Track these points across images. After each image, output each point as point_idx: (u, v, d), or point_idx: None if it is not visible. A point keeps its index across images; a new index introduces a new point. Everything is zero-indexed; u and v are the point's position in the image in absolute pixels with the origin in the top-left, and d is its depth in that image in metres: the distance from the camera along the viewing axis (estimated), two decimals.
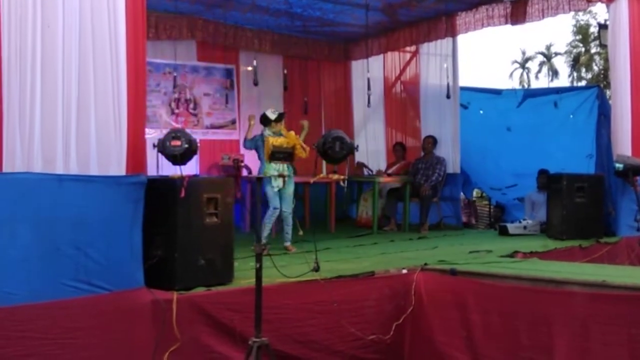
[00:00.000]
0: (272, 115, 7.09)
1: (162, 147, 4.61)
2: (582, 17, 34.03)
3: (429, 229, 9.05)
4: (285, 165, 6.91)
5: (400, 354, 5.38)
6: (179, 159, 4.60)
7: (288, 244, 7.02)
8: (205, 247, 4.73)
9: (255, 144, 7.28)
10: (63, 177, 4.12)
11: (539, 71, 54.33)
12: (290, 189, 7.05)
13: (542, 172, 8.94)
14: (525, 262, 6.18)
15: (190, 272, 4.65)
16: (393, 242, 7.88)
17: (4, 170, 3.93)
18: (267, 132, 7.09)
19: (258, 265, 4.18)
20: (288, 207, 7.03)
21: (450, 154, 9.82)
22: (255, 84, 8.69)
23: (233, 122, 10.15)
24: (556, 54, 51.34)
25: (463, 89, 10.22)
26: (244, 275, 4.96)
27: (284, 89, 9.57)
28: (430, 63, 10.39)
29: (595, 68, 35.39)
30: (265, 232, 6.95)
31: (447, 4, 8.94)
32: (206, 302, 4.58)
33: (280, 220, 7.20)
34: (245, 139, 7.51)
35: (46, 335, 3.99)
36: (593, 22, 33.19)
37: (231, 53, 10.14)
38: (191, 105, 9.78)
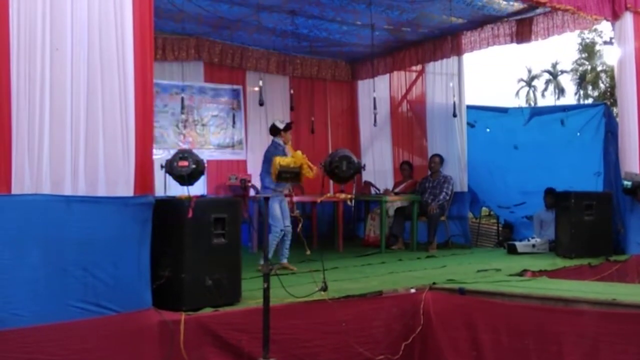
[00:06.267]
0: (281, 125, 7.27)
1: (169, 167, 4.63)
2: (588, 35, 34.17)
3: (437, 247, 9.01)
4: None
5: None
6: (187, 179, 4.61)
7: (285, 261, 6.98)
8: (213, 268, 4.72)
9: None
10: (71, 199, 4.13)
11: (546, 89, 54.50)
12: (286, 204, 7.07)
13: (549, 192, 8.90)
14: (534, 280, 6.15)
15: (198, 292, 4.64)
16: (401, 261, 7.84)
17: (13, 192, 3.95)
18: (277, 139, 7.16)
19: (266, 285, 4.17)
20: (289, 221, 7.04)
21: (457, 173, 9.82)
22: (261, 104, 8.74)
23: (240, 142, 10.19)
24: (562, 71, 51.50)
25: (469, 107, 10.23)
26: (251, 295, 4.95)
27: (291, 109, 9.61)
28: (436, 82, 10.41)
29: (602, 85, 35.39)
30: (271, 253, 6.92)
31: (453, 23, 8.97)
32: (214, 322, 4.56)
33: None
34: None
35: (53, 357, 3.96)
36: (599, 40, 33.30)
37: (238, 74, 10.24)
38: (198, 126, 9.82)
